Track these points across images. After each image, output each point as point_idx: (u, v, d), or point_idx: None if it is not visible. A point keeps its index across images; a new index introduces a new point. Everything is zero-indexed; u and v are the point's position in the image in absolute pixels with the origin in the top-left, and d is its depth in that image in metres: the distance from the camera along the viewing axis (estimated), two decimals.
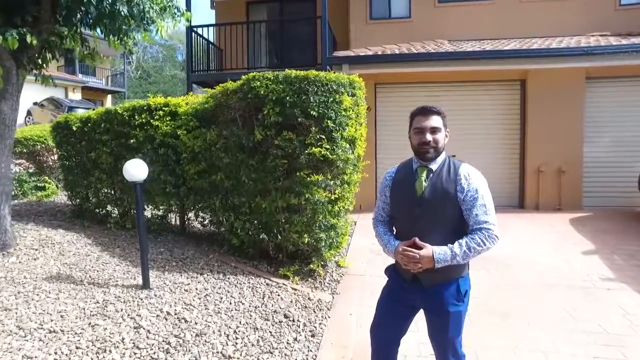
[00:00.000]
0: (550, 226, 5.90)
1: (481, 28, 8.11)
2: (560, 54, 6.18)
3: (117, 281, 3.70)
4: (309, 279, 3.91)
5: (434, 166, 1.85)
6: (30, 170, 7.48)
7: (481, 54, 6.50)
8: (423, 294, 1.88)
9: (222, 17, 10.27)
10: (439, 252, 1.73)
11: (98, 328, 2.87)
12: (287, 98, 3.52)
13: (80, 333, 2.80)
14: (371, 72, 7.06)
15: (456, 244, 1.75)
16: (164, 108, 4.73)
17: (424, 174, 1.85)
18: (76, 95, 19.01)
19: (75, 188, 5.93)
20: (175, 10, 4.45)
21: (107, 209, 5.78)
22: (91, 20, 3.87)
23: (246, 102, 3.78)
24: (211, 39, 9.58)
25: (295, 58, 9.58)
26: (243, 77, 3.82)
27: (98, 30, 4.33)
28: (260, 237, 4.19)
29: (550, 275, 4.10)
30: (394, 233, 1.99)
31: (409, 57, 6.75)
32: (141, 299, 3.33)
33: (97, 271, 3.93)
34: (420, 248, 1.75)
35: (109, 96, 23.02)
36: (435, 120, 1.82)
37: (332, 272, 4.12)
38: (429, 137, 1.80)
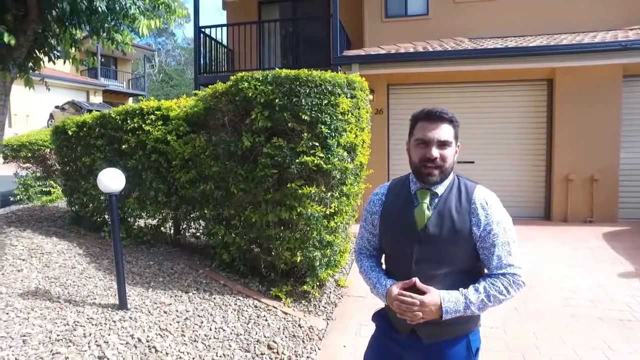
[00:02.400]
0: (580, 241, 5.30)
1: (505, 25, 7.53)
2: (593, 49, 5.57)
3: (95, 299, 3.43)
4: (303, 301, 3.52)
5: (439, 189, 1.40)
6: (37, 174, 7.40)
7: (503, 51, 5.96)
8: (422, 353, 1.44)
9: (233, 17, 10.05)
10: (448, 300, 1.30)
11: (58, 358, 2.57)
12: (277, 100, 3.15)
13: None
14: (383, 72, 6.64)
15: (471, 289, 1.33)
16: (155, 112, 4.46)
17: (427, 199, 1.40)
18: (97, 99, 19.33)
19: (74, 194, 5.76)
20: (166, 7, 4.16)
21: (105, 216, 5.57)
22: (73, 19, 3.61)
23: (234, 105, 3.44)
24: (222, 40, 9.37)
25: (309, 58, 9.23)
26: (232, 77, 3.49)
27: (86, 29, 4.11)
28: (253, 252, 3.84)
29: (580, 303, 3.57)
30: (385, 272, 1.54)
31: (424, 56, 6.27)
32: (114, 322, 3.03)
33: (78, 286, 3.68)
34: (422, 293, 1.31)
35: (130, 99, 23.35)
36: (445, 131, 1.35)
37: (330, 293, 3.72)
38: (435, 152, 1.34)
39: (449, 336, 1.41)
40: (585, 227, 6.00)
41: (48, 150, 7.15)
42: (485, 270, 1.42)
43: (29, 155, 6.98)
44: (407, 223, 1.41)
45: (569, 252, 4.88)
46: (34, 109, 16.95)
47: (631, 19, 6.88)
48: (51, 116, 16.94)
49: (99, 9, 3.24)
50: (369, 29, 8.34)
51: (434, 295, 1.30)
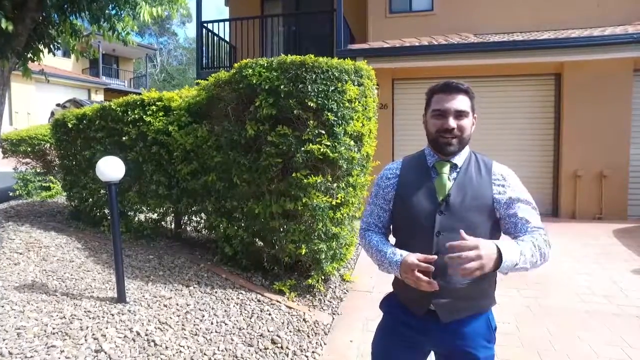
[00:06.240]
0: (590, 238, 5.17)
1: (511, 21, 7.42)
2: (603, 42, 5.46)
3: (92, 292, 3.32)
4: (307, 296, 3.41)
5: (458, 160, 1.38)
6: (37, 170, 7.31)
7: (511, 45, 5.85)
8: (439, 334, 1.35)
9: (236, 13, 9.98)
10: (506, 247, 1.14)
11: (53, 351, 2.47)
12: (282, 87, 3.05)
13: (31, 357, 2.41)
14: (388, 66, 6.54)
15: (517, 240, 1.23)
16: (157, 103, 4.36)
17: (446, 170, 1.36)
18: (98, 97, 19.26)
19: (73, 189, 5.66)
20: None
21: (105, 211, 5.47)
22: (74, 7, 3.52)
23: (238, 93, 3.34)
24: (225, 36, 9.29)
25: (312, 53, 9.10)
26: (235, 64, 3.39)
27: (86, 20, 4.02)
28: (256, 246, 3.72)
29: (595, 299, 3.45)
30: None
31: (430, 49, 6.17)
32: (112, 315, 2.92)
33: (76, 280, 3.57)
34: (470, 248, 1.11)
35: None
36: (461, 101, 1.35)
37: (335, 287, 3.61)
38: (452, 122, 1.33)
39: (469, 313, 1.34)
40: (594, 224, 5.88)
41: (48, 145, 7.05)
42: None
43: (29, 150, 6.88)
44: (426, 194, 1.36)
45: (580, 249, 4.76)
46: (35, 106, 16.90)
47: None
48: (52, 114, 16.83)
49: None
50: (372, 25, 8.24)
51: (489, 244, 1.12)
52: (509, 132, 6.61)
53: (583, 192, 6.13)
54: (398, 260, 1.29)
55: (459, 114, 1.34)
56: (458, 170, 1.37)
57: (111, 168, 3.04)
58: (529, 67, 6.33)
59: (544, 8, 7.23)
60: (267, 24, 9.47)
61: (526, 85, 6.58)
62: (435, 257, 1.23)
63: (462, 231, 1.17)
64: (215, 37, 8.78)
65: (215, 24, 8.75)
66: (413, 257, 1.24)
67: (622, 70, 5.96)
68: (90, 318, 2.87)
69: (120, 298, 3.12)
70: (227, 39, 9.35)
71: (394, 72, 6.79)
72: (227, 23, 9.23)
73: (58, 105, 16.60)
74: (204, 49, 8.42)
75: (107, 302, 3.12)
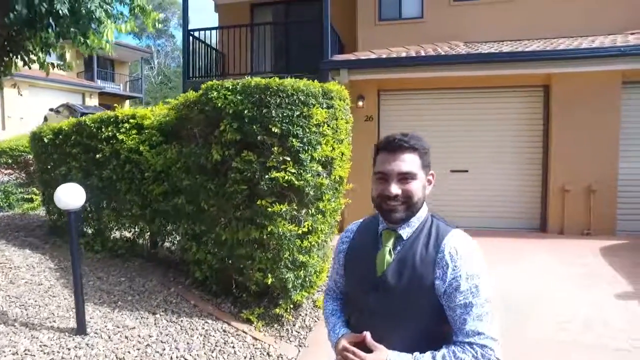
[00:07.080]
0: (576, 257, 5.04)
1: (501, 29, 7.31)
2: (592, 54, 5.34)
3: (54, 322, 3.22)
4: (276, 325, 3.30)
5: (405, 232, 1.19)
6: (20, 181, 7.22)
7: (497, 57, 5.74)
8: None
9: (225, 20, 9.86)
10: None
11: None
12: (246, 112, 2.95)
13: None
14: (373, 77, 6.43)
15: (427, 355, 1.10)
16: (130, 120, 4.27)
17: (390, 242, 1.20)
18: (93, 101, 19.18)
19: (51, 203, 5.55)
20: (141, 10, 3.96)
21: (82, 228, 5.36)
22: (41, 22, 3.42)
23: (205, 115, 3.24)
24: (214, 43, 9.18)
25: (302, 62, 8.98)
26: (203, 85, 3.28)
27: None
28: (226, 272, 3.61)
29: (573, 328, 3.33)
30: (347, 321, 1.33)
31: (414, 61, 6.06)
32: (68, 350, 2.82)
33: (39, 307, 3.47)
34: (370, 351, 1.11)
35: (127, 102, 23.19)
36: (407, 162, 1.15)
37: (306, 315, 3.50)
38: (394, 188, 1.14)
39: None
40: (582, 240, 5.75)
41: (30, 156, 6.96)
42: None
43: (10, 161, 6.79)
44: (367, 267, 1.21)
45: (565, 269, 4.63)
46: (28, 111, 16.81)
47: (631, 23, 6.64)
48: (45, 119, 16.71)
49: (60, 12, 3.04)
50: (362, 33, 8.14)
51: (380, 355, 1.10)
52: (497, 145, 6.49)
53: (571, 207, 6.01)
54: (333, 341, 1.25)
55: (404, 177, 1.14)
56: (403, 243, 1.19)
57: (70, 195, 2.94)
58: (517, 79, 6.21)
59: (533, 17, 7.12)
60: (256, 31, 9.36)
61: (514, 96, 6.46)
62: (364, 336, 1.15)
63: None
64: (204, 45, 8.67)
65: (205, 31, 8.64)
66: (343, 341, 1.19)
67: (611, 82, 5.83)
68: (44, 353, 2.77)
69: (80, 329, 3.02)
70: (216, 46, 9.25)
71: (380, 83, 6.68)
72: (216, 31, 9.12)
73: (51, 110, 16.49)
74: (190, 57, 8.31)
75: (66, 334, 3.02)
